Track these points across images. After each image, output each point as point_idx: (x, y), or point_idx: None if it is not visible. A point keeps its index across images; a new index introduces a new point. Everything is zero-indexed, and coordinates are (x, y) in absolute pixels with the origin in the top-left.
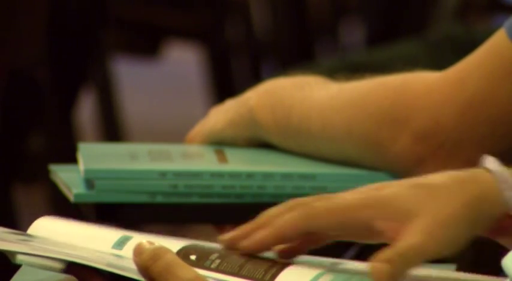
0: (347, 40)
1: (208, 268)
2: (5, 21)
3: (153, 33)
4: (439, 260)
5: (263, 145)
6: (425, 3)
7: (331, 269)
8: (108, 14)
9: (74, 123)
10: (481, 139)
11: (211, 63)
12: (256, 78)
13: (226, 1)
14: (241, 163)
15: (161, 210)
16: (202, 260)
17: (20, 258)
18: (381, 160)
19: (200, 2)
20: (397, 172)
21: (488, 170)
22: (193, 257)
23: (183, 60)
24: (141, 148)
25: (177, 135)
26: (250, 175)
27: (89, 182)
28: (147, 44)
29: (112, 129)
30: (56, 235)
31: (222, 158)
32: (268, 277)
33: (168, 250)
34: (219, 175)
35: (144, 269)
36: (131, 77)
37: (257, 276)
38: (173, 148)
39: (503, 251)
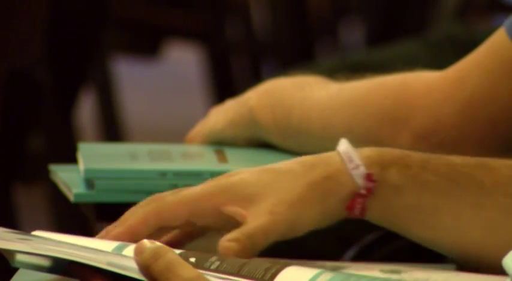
0: (347, 40)
1: (208, 269)
2: (5, 21)
3: (154, 33)
4: (439, 260)
5: (263, 144)
6: (425, 3)
7: (329, 269)
8: (109, 14)
9: (74, 123)
10: (481, 138)
11: (211, 63)
12: (256, 78)
13: (226, 1)
14: (241, 163)
15: None
16: (202, 262)
17: (18, 259)
18: None
19: (200, 2)
20: None
21: (338, 152)
22: (192, 259)
23: (183, 60)
24: (141, 148)
25: (177, 135)
26: None
27: (89, 182)
28: (147, 44)
29: (112, 129)
30: (57, 236)
31: (222, 158)
32: (268, 276)
33: (169, 249)
34: (219, 174)
35: (145, 268)
36: (131, 77)
37: (257, 276)
38: (173, 148)
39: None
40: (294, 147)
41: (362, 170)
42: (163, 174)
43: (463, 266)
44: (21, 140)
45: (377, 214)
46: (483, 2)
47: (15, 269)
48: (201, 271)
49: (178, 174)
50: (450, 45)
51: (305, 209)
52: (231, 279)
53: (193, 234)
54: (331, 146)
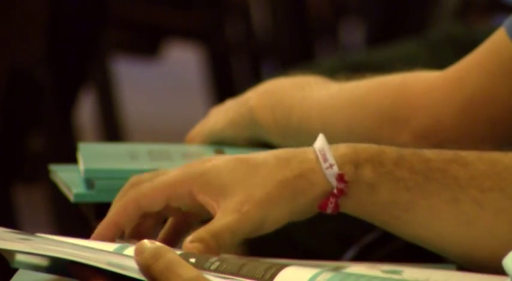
0: (347, 40)
1: (208, 269)
2: (5, 21)
3: (153, 33)
4: (439, 260)
5: (263, 144)
6: (425, 3)
7: (329, 269)
8: (109, 13)
9: (74, 123)
10: (481, 138)
11: (211, 63)
12: (256, 78)
13: (226, 1)
14: None
15: None
16: (202, 262)
17: (18, 259)
18: None
19: (200, 2)
20: None
21: (313, 149)
22: (192, 260)
23: (183, 60)
24: (141, 148)
25: (177, 135)
26: None
27: (89, 182)
28: (147, 44)
29: (112, 130)
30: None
31: None
32: (267, 276)
33: (169, 249)
34: None
35: (145, 268)
36: (131, 77)
37: (257, 275)
38: (173, 148)
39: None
40: (294, 147)
41: (335, 169)
42: None
43: (455, 263)
44: (21, 140)
45: (351, 211)
46: (483, 2)
47: (15, 270)
48: (201, 271)
49: None
50: (450, 45)
51: (273, 208)
52: (231, 279)
53: (183, 222)
54: None
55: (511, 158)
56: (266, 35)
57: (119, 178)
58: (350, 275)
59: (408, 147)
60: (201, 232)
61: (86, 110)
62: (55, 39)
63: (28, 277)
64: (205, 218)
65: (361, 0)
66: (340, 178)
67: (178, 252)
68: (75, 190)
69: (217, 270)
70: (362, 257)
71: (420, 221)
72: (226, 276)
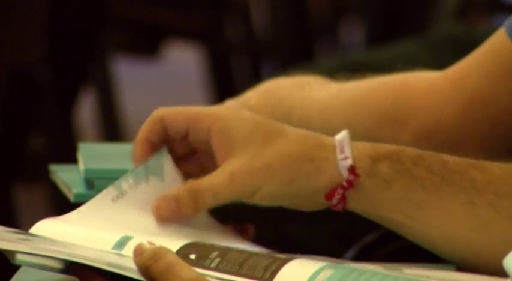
0: (347, 40)
1: (208, 267)
2: (5, 21)
3: (153, 33)
4: (439, 260)
5: None
6: (425, 3)
7: (330, 266)
8: (109, 14)
9: (74, 123)
10: (481, 138)
11: (211, 63)
12: (256, 78)
13: (226, 1)
14: None
15: None
16: (202, 259)
17: (19, 258)
18: None
19: (200, 2)
20: None
21: (334, 140)
22: (193, 256)
23: (183, 60)
24: None
25: None
26: None
27: (89, 182)
28: (147, 44)
29: (112, 129)
30: (57, 235)
31: None
32: (268, 274)
33: (168, 250)
34: None
35: (144, 269)
36: (131, 77)
37: (257, 275)
38: None
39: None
40: None
41: (349, 162)
42: None
43: (452, 262)
44: (21, 140)
45: (359, 205)
46: (483, 2)
47: (16, 268)
48: (200, 271)
49: None
50: (450, 45)
51: (268, 182)
52: (231, 278)
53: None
54: None
55: None
56: (266, 35)
57: (118, 178)
58: (352, 271)
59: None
60: (181, 188)
61: (86, 110)
62: (55, 39)
63: (28, 276)
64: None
65: (361, 0)
66: (352, 169)
67: (180, 246)
68: (75, 190)
69: (217, 268)
70: (362, 257)
71: (432, 222)
72: (226, 276)
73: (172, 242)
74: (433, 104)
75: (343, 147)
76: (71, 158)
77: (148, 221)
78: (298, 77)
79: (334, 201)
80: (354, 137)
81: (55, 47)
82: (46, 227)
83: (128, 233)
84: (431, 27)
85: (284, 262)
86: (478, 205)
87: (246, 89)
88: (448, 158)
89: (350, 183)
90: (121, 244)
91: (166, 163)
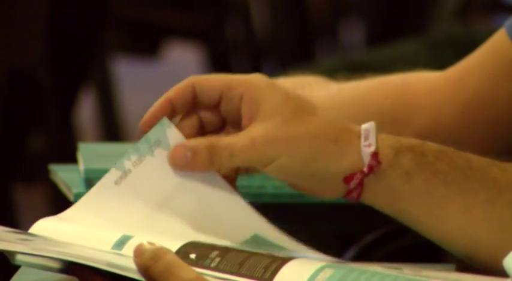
0: (347, 40)
1: (208, 267)
2: (5, 21)
3: (154, 33)
4: (439, 260)
5: None
6: (425, 3)
7: (330, 266)
8: (109, 14)
9: (74, 123)
10: (481, 138)
11: (211, 63)
12: None
13: (226, 1)
14: None
15: None
16: (202, 259)
17: (19, 258)
18: None
19: (200, 2)
20: None
21: (360, 127)
22: (192, 255)
23: (183, 60)
24: None
25: None
26: (250, 175)
27: (89, 182)
28: (147, 44)
29: (112, 130)
30: (57, 234)
31: None
32: (268, 274)
33: (168, 251)
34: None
35: (144, 270)
36: (131, 77)
37: (257, 274)
38: None
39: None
40: None
41: (372, 148)
42: None
43: (462, 260)
44: (21, 140)
45: (375, 196)
46: (483, 2)
47: (16, 269)
48: (200, 270)
49: None
50: (450, 45)
51: (288, 155)
52: (231, 280)
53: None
54: None
55: None
56: (266, 35)
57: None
58: (352, 270)
59: None
60: (200, 141)
61: (86, 110)
62: (55, 39)
63: (29, 276)
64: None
65: (361, 0)
66: (375, 156)
67: (180, 245)
68: (75, 190)
69: (217, 268)
70: (362, 257)
71: (451, 219)
72: (226, 276)
73: (173, 240)
74: (433, 104)
75: (368, 135)
76: (71, 158)
77: (153, 203)
78: (298, 77)
79: (352, 185)
80: None
81: (55, 47)
82: (46, 226)
83: (128, 233)
84: (431, 27)
85: (284, 261)
86: (499, 204)
87: None
88: (471, 156)
89: (371, 169)
90: (121, 243)
91: (169, 132)
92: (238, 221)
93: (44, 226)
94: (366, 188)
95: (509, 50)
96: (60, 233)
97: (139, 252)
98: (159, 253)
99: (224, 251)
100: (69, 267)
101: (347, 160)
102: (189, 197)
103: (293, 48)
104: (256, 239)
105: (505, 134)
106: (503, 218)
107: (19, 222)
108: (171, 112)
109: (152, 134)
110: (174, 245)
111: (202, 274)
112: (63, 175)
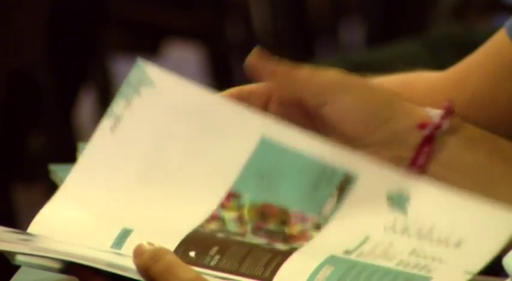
0: (347, 40)
1: (208, 266)
2: (5, 21)
3: (154, 33)
4: None
5: None
6: (425, 3)
7: (330, 261)
8: (109, 14)
9: (74, 123)
10: None
11: (211, 63)
12: None
13: (226, 1)
14: None
15: None
16: (202, 256)
17: (19, 259)
18: None
19: (200, 2)
20: None
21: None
22: (192, 253)
23: (183, 60)
24: None
25: None
26: None
27: None
28: (147, 44)
29: None
30: (56, 231)
31: None
32: (268, 273)
33: (168, 251)
34: None
35: (144, 270)
36: None
37: (257, 273)
38: None
39: (503, 252)
40: None
41: (440, 112)
42: None
43: None
44: (21, 140)
45: (439, 163)
46: (483, 2)
47: (16, 268)
48: (200, 270)
49: None
50: (450, 46)
51: (353, 92)
52: (230, 279)
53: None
54: None
55: None
56: (266, 35)
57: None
58: (353, 267)
59: None
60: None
61: (86, 110)
62: (55, 39)
63: (29, 276)
64: None
65: (361, 0)
66: (447, 110)
67: (178, 242)
68: None
69: (217, 266)
70: None
71: (504, 199)
72: (226, 275)
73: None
74: (433, 104)
75: (433, 110)
76: (71, 158)
77: (153, 142)
78: None
79: (427, 131)
80: None
81: (55, 47)
82: (46, 222)
83: (128, 226)
84: (431, 27)
85: (284, 257)
86: None
87: None
88: None
89: (446, 116)
90: (120, 241)
91: (149, 70)
92: (242, 126)
93: (43, 221)
94: (435, 149)
95: (509, 50)
96: (60, 228)
97: (138, 252)
98: (158, 253)
99: (224, 246)
100: (69, 267)
101: (417, 114)
102: (187, 122)
103: (293, 48)
104: (265, 148)
105: (505, 134)
106: None
107: (19, 222)
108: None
109: (132, 76)
110: (175, 238)
111: (202, 273)
112: (63, 174)
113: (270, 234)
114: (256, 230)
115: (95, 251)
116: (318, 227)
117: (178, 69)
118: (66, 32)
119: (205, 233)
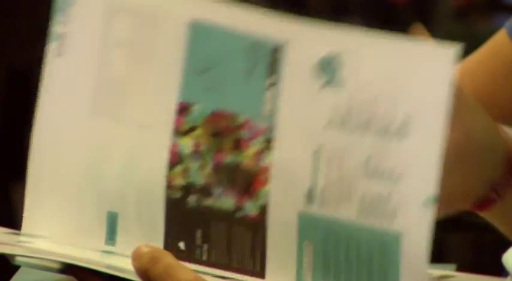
0: None
1: (200, 261)
2: (5, 21)
3: None
4: (439, 260)
5: None
6: (425, 3)
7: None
8: None
9: None
10: None
11: None
12: None
13: None
14: None
15: None
16: (192, 248)
17: (19, 259)
18: None
19: None
20: None
21: None
22: (182, 244)
23: None
24: None
25: None
26: None
27: None
28: None
29: None
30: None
31: None
32: (257, 267)
33: (167, 253)
34: None
35: (143, 272)
36: None
37: (247, 267)
38: None
39: (503, 251)
40: None
41: None
42: None
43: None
44: (21, 140)
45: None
46: (483, 2)
47: (16, 269)
48: (193, 266)
49: None
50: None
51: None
52: (228, 278)
53: None
54: None
55: None
56: None
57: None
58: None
59: None
60: None
61: None
62: None
63: (29, 277)
64: None
65: (361, 0)
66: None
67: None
68: None
69: (208, 261)
70: None
71: None
72: (218, 272)
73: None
74: None
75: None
76: None
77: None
78: None
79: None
80: None
81: None
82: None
83: (112, 209)
84: (431, 27)
85: (263, 240)
86: None
87: None
88: None
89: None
90: (111, 230)
91: None
92: (170, 12)
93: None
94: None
95: (509, 50)
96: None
97: (137, 255)
98: (157, 256)
99: (204, 227)
100: (69, 267)
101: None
102: (123, 20)
103: None
104: (197, 35)
105: None
106: None
107: (19, 222)
108: None
109: None
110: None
111: (197, 271)
112: None
113: (232, 178)
114: (217, 170)
115: (92, 252)
116: (268, 141)
117: None
118: None
119: (182, 211)
